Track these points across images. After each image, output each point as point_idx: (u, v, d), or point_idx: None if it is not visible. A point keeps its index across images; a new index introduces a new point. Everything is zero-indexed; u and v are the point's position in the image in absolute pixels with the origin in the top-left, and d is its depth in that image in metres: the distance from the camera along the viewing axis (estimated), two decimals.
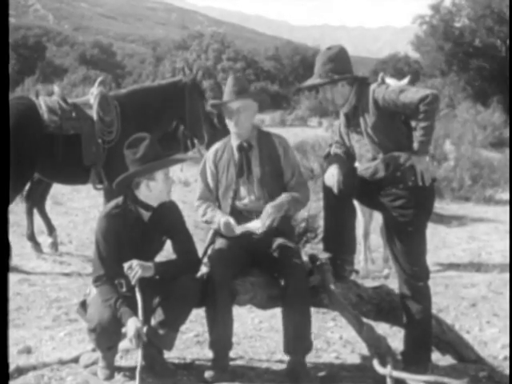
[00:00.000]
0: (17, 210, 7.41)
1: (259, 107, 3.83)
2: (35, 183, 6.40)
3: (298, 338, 3.49)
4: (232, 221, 3.59)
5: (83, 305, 3.57)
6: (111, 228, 3.40)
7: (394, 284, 3.94)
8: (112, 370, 3.48)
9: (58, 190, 8.61)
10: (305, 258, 3.79)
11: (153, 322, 3.45)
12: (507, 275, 5.64)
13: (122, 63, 56.65)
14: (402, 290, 3.60)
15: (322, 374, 3.65)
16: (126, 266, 3.34)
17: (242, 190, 3.71)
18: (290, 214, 3.70)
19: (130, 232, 3.43)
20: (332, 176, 3.55)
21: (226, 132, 3.92)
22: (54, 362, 3.63)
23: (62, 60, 49.14)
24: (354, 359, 3.96)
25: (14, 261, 5.96)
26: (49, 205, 7.24)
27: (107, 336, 3.34)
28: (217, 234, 3.73)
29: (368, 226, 6.50)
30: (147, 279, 3.36)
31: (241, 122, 3.67)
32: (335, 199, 3.60)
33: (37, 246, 6.52)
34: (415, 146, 3.43)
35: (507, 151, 14.20)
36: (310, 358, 3.87)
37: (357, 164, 3.71)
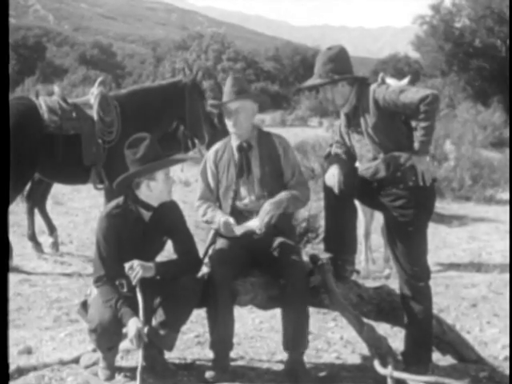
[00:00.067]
0: (17, 210, 7.42)
1: (260, 108, 3.82)
2: (36, 183, 6.40)
3: (296, 336, 3.51)
4: (231, 221, 3.59)
5: (84, 305, 3.57)
6: (112, 228, 3.40)
7: (394, 284, 3.93)
8: (113, 370, 3.48)
9: (58, 190, 8.62)
10: (306, 258, 3.79)
11: (154, 322, 3.45)
12: (507, 275, 5.64)
13: (122, 63, 56.71)
14: (402, 291, 3.60)
15: (322, 374, 3.65)
16: (126, 266, 3.34)
17: (243, 190, 3.70)
18: (289, 211, 3.68)
19: (131, 232, 3.43)
20: (333, 176, 3.55)
21: (226, 132, 3.92)
22: (54, 363, 3.63)
23: (62, 60, 49.21)
24: (355, 359, 3.95)
25: (15, 261, 5.96)
26: (49, 205, 7.24)
27: (108, 336, 3.34)
28: (217, 234, 3.73)
29: (369, 225, 6.50)
30: (148, 279, 3.36)
31: (239, 123, 3.66)
32: (336, 199, 3.60)
33: (37, 246, 6.52)
34: (416, 146, 3.42)
35: (507, 151, 14.21)
36: (311, 359, 3.88)
37: (357, 164, 3.70)
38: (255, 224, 3.54)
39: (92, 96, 5.92)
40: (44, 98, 5.83)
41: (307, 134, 17.43)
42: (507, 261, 5.91)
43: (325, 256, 3.65)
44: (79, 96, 9.68)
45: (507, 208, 9.12)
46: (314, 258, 3.69)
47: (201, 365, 3.70)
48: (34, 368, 3.56)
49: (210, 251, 3.72)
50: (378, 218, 5.96)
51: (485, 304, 5.16)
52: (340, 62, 3.54)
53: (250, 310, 4.51)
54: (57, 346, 4.01)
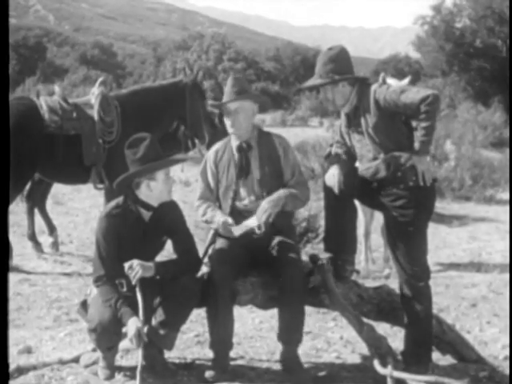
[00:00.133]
0: (17, 210, 7.42)
1: (260, 108, 3.82)
2: (36, 183, 6.40)
3: (290, 331, 3.55)
4: (230, 221, 3.59)
5: (84, 305, 3.58)
6: (112, 228, 3.40)
7: (394, 284, 3.93)
8: (112, 369, 3.48)
9: (58, 189, 8.63)
10: (305, 258, 3.80)
11: (153, 321, 3.45)
12: (507, 275, 5.64)
13: (122, 64, 56.74)
14: (402, 290, 3.59)
15: (322, 373, 3.65)
16: (126, 265, 3.34)
17: (242, 191, 3.70)
18: (288, 209, 3.67)
19: (131, 232, 3.43)
20: (333, 176, 3.55)
21: (226, 132, 3.92)
22: (54, 362, 3.63)
23: (62, 60, 49.23)
24: (355, 359, 3.95)
25: (15, 261, 5.96)
26: (49, 204, 7.24)
27: (108, 336, 3.34)
28: (217, 233, 3.73)
29: (369, 225, 6.50)
30: (148, 279, 3.36)
31: (238, 123, 3.66)
32: (336, 199, 3.60)
33: (37, 245, 6.52)
34: (416, 145, 3.42)
35: (508, 151, 14.19)
36: (311, 358, 3.89)
37: (358, 164, 3.70)
38: (253, 222, 3.54)
39: (93, 96, 5.93)
40: (45, 98, 5.84)
41: (307, 134, 17.42)
42: (507, 261, 5.91)
43: (325, 256, 3.65)
44: (80, 96, 9.68)
45: (507, 208, 9.11)
46: (313, 258, 3.69)
47: (200, 364, 3.71)
48: (34, 367, 3.56)
49: (210, 251, 3.72)
50: (378, 217, 5.95)
51: (485, 304, 5.16)
52: (341, 62, 3.54)
53: (250, 309, 4.51)
54: (57, 345, 4.02)
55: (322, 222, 6.04)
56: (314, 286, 3.62)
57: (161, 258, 3.71)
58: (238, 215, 3.66)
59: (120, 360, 3.67)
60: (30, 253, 6.46)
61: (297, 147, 11.98)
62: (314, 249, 6.28)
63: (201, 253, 3.68)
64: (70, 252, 6.67)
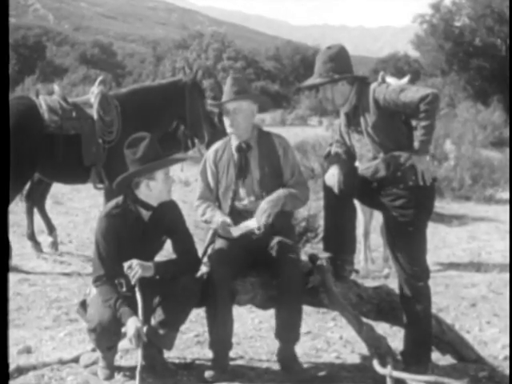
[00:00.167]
0: (17, 210, 7.42)
1: (260, 108, 3.82)
2: (35, 183, 6.39)
3: (287, 330, 3.55)
4: (229, 221, 3.58)
5: (83, 305, 3.57)
6: (111, 228, 3.40)
7: (394, 284, 3.93)
8: (112, 369, 3.48)
9: (58, 189, 8.62)
10: (305, 258, 3.79)
11: (153, 321, 3.45)
12: (507, 275, 5.64)
13: (122, 63, 56.68)
14: (402, 290, 3.59)
15: (322, 373, 3.65)
16: (125, 265, 3.34)
17: (242, 191, 3.70)
18: (287, 209, 3.67)
19: (130, 232, 3.43)
20: (332, 176, 3.55)
21: (226, 131, 3.92)
22: (54, 362, 3.63)
23: (62, 60, 49.17)
24: (354, 359, 3.95)
25: (14, 261, 5.95)
26: (49, 204, 7.24)
27: (107, 336, 3.35)
28: (216, 233, 3.73)
29: (368, 225, 6.50)
30: (147, 279, 3.36)
31: (237, 123, 3.66)
32: (336, 199, 3.60)
33: (37, 245, 6.51)
34: (416, 145, 3.42)
35: (507, 151, 14.19)
36: (310, 358, 3.89)
37: (357, 163, 3.70)
38: (253, 224, 3.54)
39: (92, 95, 5.92)
40: (44, 98, 5.83)
41: (307, 133, 17.41)
42: (507, 261, 5.91)
43: (324, 256, 3.65)
44: (79, 95, 9.69)
45: (507, 208, 9.12)
46: (313, 258, 3.69)
47: (200, 364, 3.71)
48: (34, 367, 3.56)
49: (209, 251, 3.72)
50: (378, 217, 5.95)
51: (484, 304, 5.16)
52: (340, 61, 3.54)
53: (250, 309, 4.51)
54: (56, 345, 4.02)
55: (321, 222, 6.03)
56: (313, 286, 3.61)
57: (160, 257, 3.71)
58: (238, 215, 3.66)
59: (119, 360, 3.67)
60: (29, 253, 6.46)
61: (296, 147, 11.97)
62: (314, 248, 6.28)
63: (200, 252, 3.68)
64: (69, 252, 6.66)
